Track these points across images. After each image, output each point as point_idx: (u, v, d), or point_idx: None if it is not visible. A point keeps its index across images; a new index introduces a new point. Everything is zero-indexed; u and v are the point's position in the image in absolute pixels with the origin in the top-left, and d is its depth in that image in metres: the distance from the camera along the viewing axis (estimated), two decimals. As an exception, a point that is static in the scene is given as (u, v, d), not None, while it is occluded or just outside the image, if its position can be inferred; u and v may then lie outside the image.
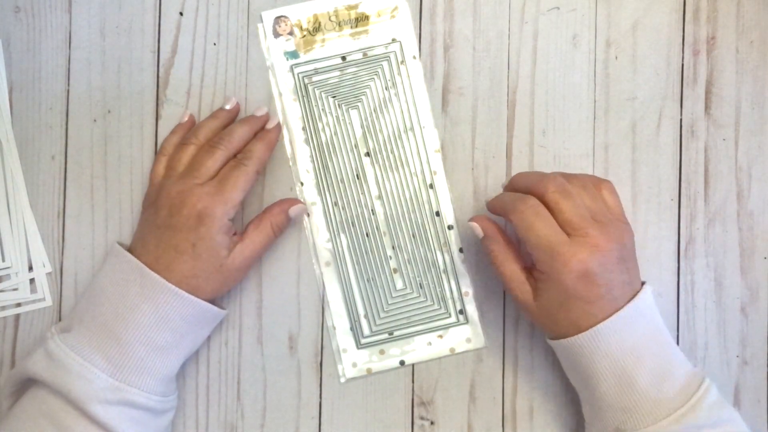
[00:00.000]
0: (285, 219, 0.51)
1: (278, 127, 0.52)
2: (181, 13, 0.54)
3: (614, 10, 0.54)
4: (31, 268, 0.52)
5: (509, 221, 0.46)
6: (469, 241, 0.53)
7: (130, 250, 0.48)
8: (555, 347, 0.47)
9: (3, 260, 0.52)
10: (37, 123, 0.53)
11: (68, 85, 0.53)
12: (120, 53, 0.54)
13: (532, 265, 0.46)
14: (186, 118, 0.52)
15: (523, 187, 0.47)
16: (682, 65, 0.54)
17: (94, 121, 0.53)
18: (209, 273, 0.47)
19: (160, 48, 0.54)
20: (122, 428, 0.44)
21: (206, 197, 0.46)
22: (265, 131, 0.51)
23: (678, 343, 0.53)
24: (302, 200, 0.53)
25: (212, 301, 0.48)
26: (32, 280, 0.52)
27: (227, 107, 0.52)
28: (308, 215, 0.52)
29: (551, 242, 0.43)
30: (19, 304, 0.52)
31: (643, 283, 0.47)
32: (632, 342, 0.44)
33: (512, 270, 0.47)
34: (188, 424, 0.52)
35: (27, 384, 0.46)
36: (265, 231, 0.50)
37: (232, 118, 0.52)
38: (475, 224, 0.48)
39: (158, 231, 0.47)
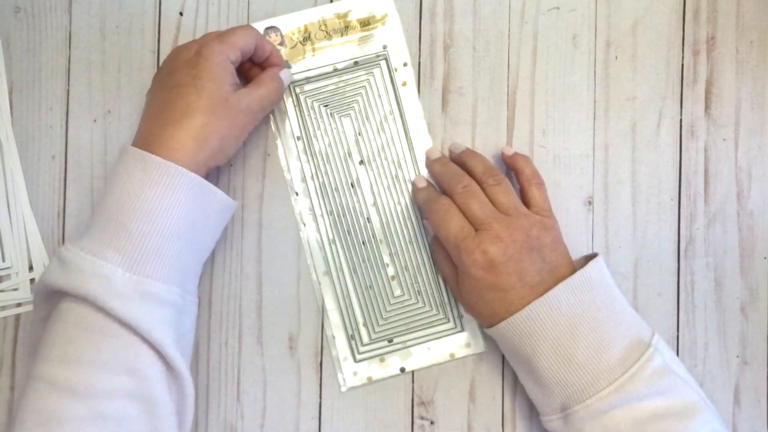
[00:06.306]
0: (281, 80, 0.51)
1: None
2: (181, 13, 0.54)
3: (614, 10, 0.54)
4: (31, 268, 0.52)
5: (427, 220, 0.50)
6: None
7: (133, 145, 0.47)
8: (494, 334, 0.48)
9: (3, 260, 0.52)
10: (37, 123, 0.53)
11: (68, 85, 0.53)
12: (120, 53, 0.54)
13: None
14: None
15: (437, 181, 0.51)
16: (682, 65, 0.54)
17: (94, 121, 0.53)
18: (215, 106, 0.45)
19: (160, 48, 0.54)
20: (150, 326, 0.42)
21: (205, 38, 0.48)
22: None
23: (678, 343, 0.53)
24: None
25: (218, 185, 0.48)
26: (32, 280, 0.52)
27: None
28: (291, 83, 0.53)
29: (457, 237, 0.46)
30: (19, 304, 0.52)
31: (593, 257, 0.48)
32: (566, 319, 0.45)
33: (449, 269, 0.49)
34: (188, 424, 0.52)
35: (53, 302, 0.44)
36: (268, 85, 0.49)
37: None
38: (426, 223, 0.52)
39: (160, 80, 0.48)
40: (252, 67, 0.51)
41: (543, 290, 0.45)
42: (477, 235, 0.46)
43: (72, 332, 0.42)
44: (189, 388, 0.44)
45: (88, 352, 0.41)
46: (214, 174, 0.53)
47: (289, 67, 0.53)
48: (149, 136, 0.45)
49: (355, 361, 0.52)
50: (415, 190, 0.52)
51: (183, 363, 0.43)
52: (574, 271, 0.47)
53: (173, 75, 0.47)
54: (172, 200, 0.44)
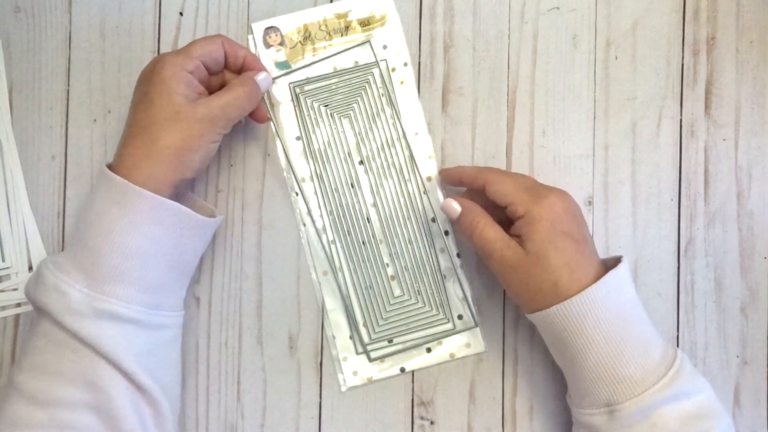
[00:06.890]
0: (253, 84, 0.49)
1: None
2: (181, 13, 0.54)
3: (614, 10, 0.54)
4: (31, 268, 0.52)
5: (480, 186, 0.48)
6: (466, 246, 0.53)
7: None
8: (540, 320, 0.45)
9: (3, 260, 0.52)
10: (37, 123, 0.53)
11: (68, 85, 0.53)
12: (120, 53, 0.54)
13: (507, 228, 0.47)
14: None
15: (466, 183, 0.50)
16: (682, 65, 0.54)
17: (94, 121, 0.53)
18: (166, 120, 0.44)
19: (160, 48, 0.54)
20: (104, 342, 0.42)
21: (163, 54, 0.47)
22: None
23: (678, 343, 0.53)
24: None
25: (194, 205, 0.48)
26: (32, 280, 0.52)
27: None
28: (274, 82, 0.53)
29: (528, 185, 0.46)
30: (19, 304, 0.52)
31: (619, 258, 0.46)
32: (619, 308, 0.44)
33: (496, 231, 0.46)
34: (188, 424, 0.52)
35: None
36: (235, 91, 0.47)
37: None
38: (450, 203, 0.48)
39: (131, 104, 0.47)
40: (229, 74, 0.50)
41: (598, 267, 0.45)
42: (545, 188, 0.46)
43: (40, 343, 0.43)
44: (160, 402, 0.44)
45: (51, 363, 0.42)
46: (213, 176, 0.53)
47: (288, 67, 0.53)
48: (115, 155, 0.46)
49: (357, 356, 0.52)
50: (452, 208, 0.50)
51: (146, 377, 0.43)
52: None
53: (134, 93, 0.47)
54: (130, 220, 0.43)
